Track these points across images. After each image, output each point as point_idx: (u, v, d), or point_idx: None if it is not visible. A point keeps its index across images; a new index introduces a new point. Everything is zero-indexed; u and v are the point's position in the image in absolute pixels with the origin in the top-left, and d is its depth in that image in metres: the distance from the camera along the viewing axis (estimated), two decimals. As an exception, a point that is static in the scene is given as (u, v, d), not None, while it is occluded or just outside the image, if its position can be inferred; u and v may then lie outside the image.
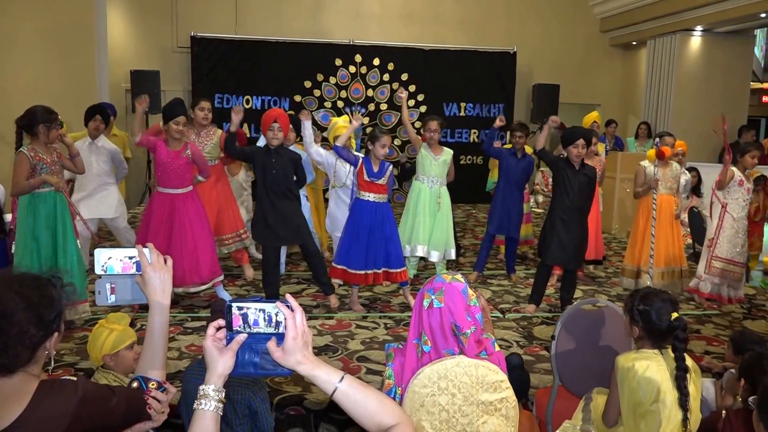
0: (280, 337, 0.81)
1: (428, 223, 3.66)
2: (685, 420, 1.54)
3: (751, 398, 1.31)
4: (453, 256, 3.85)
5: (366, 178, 3.18)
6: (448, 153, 3.77)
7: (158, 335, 1.07)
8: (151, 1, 6.86)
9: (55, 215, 2.90)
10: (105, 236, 4.82)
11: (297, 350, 0.81)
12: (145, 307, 1.11)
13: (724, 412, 1.76)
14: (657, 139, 3.87)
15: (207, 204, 3.50)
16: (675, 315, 1.59)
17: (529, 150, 4.34)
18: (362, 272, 3.21)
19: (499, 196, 3.97)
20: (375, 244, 3.21)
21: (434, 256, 3.72)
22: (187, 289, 3.19)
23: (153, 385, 1.04)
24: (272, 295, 3.27)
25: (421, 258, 3.83)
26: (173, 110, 3.11)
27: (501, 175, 3.96)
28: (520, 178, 3.93)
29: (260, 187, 3.16)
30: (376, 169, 3.20)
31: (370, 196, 3.21)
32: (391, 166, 3.28)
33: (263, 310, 0.82)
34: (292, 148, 3.55)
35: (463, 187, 6.50)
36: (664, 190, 3.73)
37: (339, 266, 3.23)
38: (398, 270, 3.28)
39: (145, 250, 1.05)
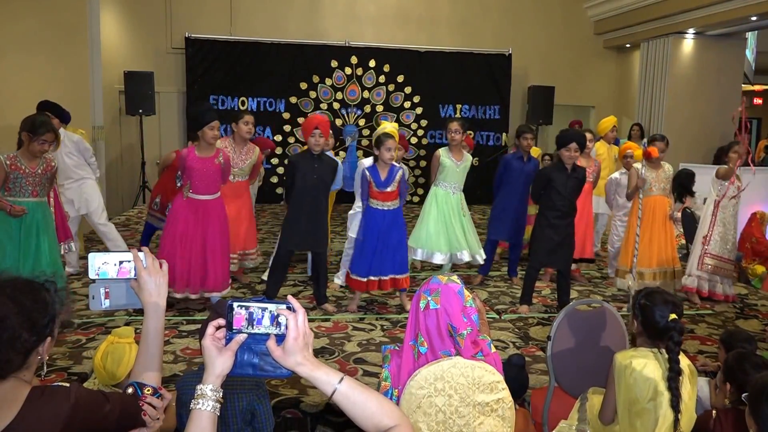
0: (280, 338, 0.81)
1: (459, 229, 3.68)
2: (676, 421, 1.55)
3: (744, 395, 1.32)
4: (485, 255, 3.88)
5: (375, 188, 3.18)
6: (468, 159, 3.79)
7: (153, 339, 1.06)
8: (144, 2, 6.82)
9: (21, 226, 2.82)
10: (98, 239, 4.78)
11: (297, 351, 0.80)
12: (140, 311, 1.10)
13: (714, 411, 1.77)
14: (645, 140, 3.92)
15: (234, 218, 3.47)
16: (673, 316, 1.61)
17: (537, 151, 4.37)
18: (363, 279, 3.22)
19: (500, 202, 3.93)
20: (382, 251, 3.21)
21: (479, 259, 3.78)
22: (212, 295, 3.16)
23: (148, 390, 1.03)
24: (273, 294, 3.28)
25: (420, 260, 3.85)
26: (207, 115, 3.04)
27: (504, 181, 3.91)
28: (524, 183, 3.88)
29: (298, 190, 3.14)
30: (383, 176, 3.18)
31: (379, 204, 3.20)
32: (401, 171, 3.25)
33: (265, 310, 0.81)
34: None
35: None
36: (657, 191, 3.76)
37: (351, 275, 3.26)
38: (402, 276, 3.28)
39: (141, 254, 1.04)
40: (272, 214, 6.30)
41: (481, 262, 3.87)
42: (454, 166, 3.70)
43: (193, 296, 3.15)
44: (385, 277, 3.24)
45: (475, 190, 6.74)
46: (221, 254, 3.16)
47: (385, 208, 3.21)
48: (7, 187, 2.81)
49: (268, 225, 5.70)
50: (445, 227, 3.67)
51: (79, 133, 4.51)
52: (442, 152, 3.75)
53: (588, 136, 3.99)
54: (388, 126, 3.63)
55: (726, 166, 3.62)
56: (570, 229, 3.34)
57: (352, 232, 3.69)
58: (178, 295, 3.12)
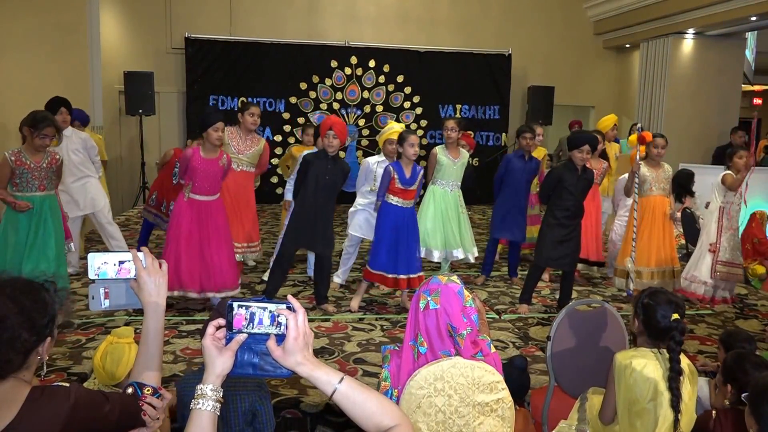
0: (280, 338, 0.81)
1: (456, 227, 3.69)
2: (676, 422, 1.55)
3: (744, 395, 1.32)
4: (477, 253, 3.90)
5: (398, 185, 3.19)
6: (465, 156, 3.80)
7: (153, 339, 1.06)
8: (144, 2, 6.82)
9: (30, 220, 2.84)
10: (98, 239, 4.78)
11: (297, 351, 0.80)
12: (140, 311, 1.10)
13: (714, 411, 1.77)
14: (639, 125, 3.92)
15: (238, 208, 3.49)
16: (675, 316, 1.61)
17: (542, 152, 4.37)
18: (390, 276, 3.23)
19: (502, 201, 3.94)
20: (402, 248, 3.23)
21: (470, 258, 3.78)
22: (226, 294, 3.17)
23: (148, 390, 1.03)
24: (272, 291, 3.28)
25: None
26: (210, 117, 3.07)
27: (506, 180, 3.93)
28: (525, 181, 3.90)
29: (309, 190, 3.16)
30: (408, 174, 3.20)
31: (399, 201, 3.23)
32: (422, 171, 3.30)
33: (265, 309, 0.81)
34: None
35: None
36: (657, 191, 3.76)
37: (370, 269, 3.26)
38: (418, 275, 3.29)
39: (140, 254, 1.05)
40: (272, 214, 6.29)
41: (472, 260, 3.88)
42: (451, 163, 3.71)
43: (210, 295, 3.16)
44: (413, 275, 3.24)
45: (475, 190, 6.74)
46: (227, 254, 3.17)
47: (403, 206, 3.24)
48: (14, 182, 2.83)
49: (268, 225, 5.70)
50: (442, 225, 3.68)
51: (96, 138, 4.58)
52: (438, 150, 3.76)
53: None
54: (396, 126, 3.64)
55: (731, 175, 3.61)
56: (577, 231, 3.34)
57: (352, 229, 3.70)
58: (195, 296, 3.13)
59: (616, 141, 5.13)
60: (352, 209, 3.76)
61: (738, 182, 3.59)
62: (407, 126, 7.21)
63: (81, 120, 4.82)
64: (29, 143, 2.84)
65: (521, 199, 3.91)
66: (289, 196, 3.78)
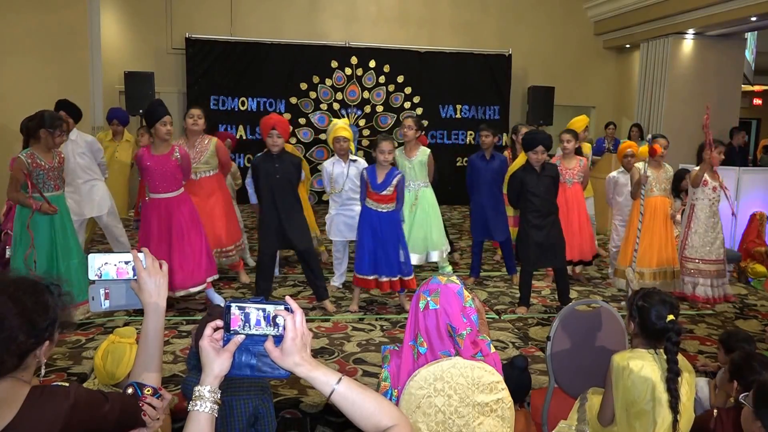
0: (279, 339, 0.81)
1: (407, 226, 3.63)
2: (674, 422, 1.55)
3: (742, 395, 1.31)
4: (435, 258, 3.80)
5: (371, 188, 3.21)
6: (423, 153, 3.74)
7: (153, 339, 1.06)
8: (145, 3, 6.83)
9: (52, 219, 2.86)
10: (99, 239, 4.79)
11: (295, 351, 0.80)
12: (140, 311, 1.10)
13: (715, 411, 1.77)
14: (649, 136, 3.91)
15: (208, 215, 3.44)
16: (670, 317, 1.60)
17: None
18: (367, 277, 3.23)
19: (475, 203, 3.92)
20: (380, 251, 3.21)
21: (414, 259, 3.69)
22: (188, 291, 3.15)
23: (148, 391, 1.03)
24: (265, 295, 3.27)
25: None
26: (156, 112, 3.01)
27: (474, 181, 3.89)
28: (491, 180, 3.84)
29: (265, 192, 3.15)
30: (380, 180, 3.19)
31: (374, 205, 3.23)
32: (399, 175, 3.25)
33: (263, 310, 0.81)
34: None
35: (460, 188, 6.51)
36: (658, 191, 3.77)
37: (356, 274, 3.27)
38: (407, 278, 3.28)
39: (140, 255, 1.05)
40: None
41: (415, 262, 3.72)
42: (406, 162, 3.68)
43: (178, 293, 3.11)
44: (383, 279, 3.24)
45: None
46: (197, 246, 3.10)
47: (379, 210, 3.23)
48: (29, 183, 2.81)
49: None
50: None
51: (129, 138, 4.54)
52: (396, 151, 3.71)
53: (582, 134, 3.96)
54: (339, 122, 3.59)
55: (695, 172, 3.67)
56: (555, 227, 3.35)
57: (333, 235, 3.69)
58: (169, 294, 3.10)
59: (615, 143, 5.14)
60: (327, 217, 3.73)
61: (698, 178, 3.64)
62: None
63: (120, 120, 4.82)
64: (44, 143, 2.81)
65: (492, 198, 3.85)
66: (253, 199, 3.69)
